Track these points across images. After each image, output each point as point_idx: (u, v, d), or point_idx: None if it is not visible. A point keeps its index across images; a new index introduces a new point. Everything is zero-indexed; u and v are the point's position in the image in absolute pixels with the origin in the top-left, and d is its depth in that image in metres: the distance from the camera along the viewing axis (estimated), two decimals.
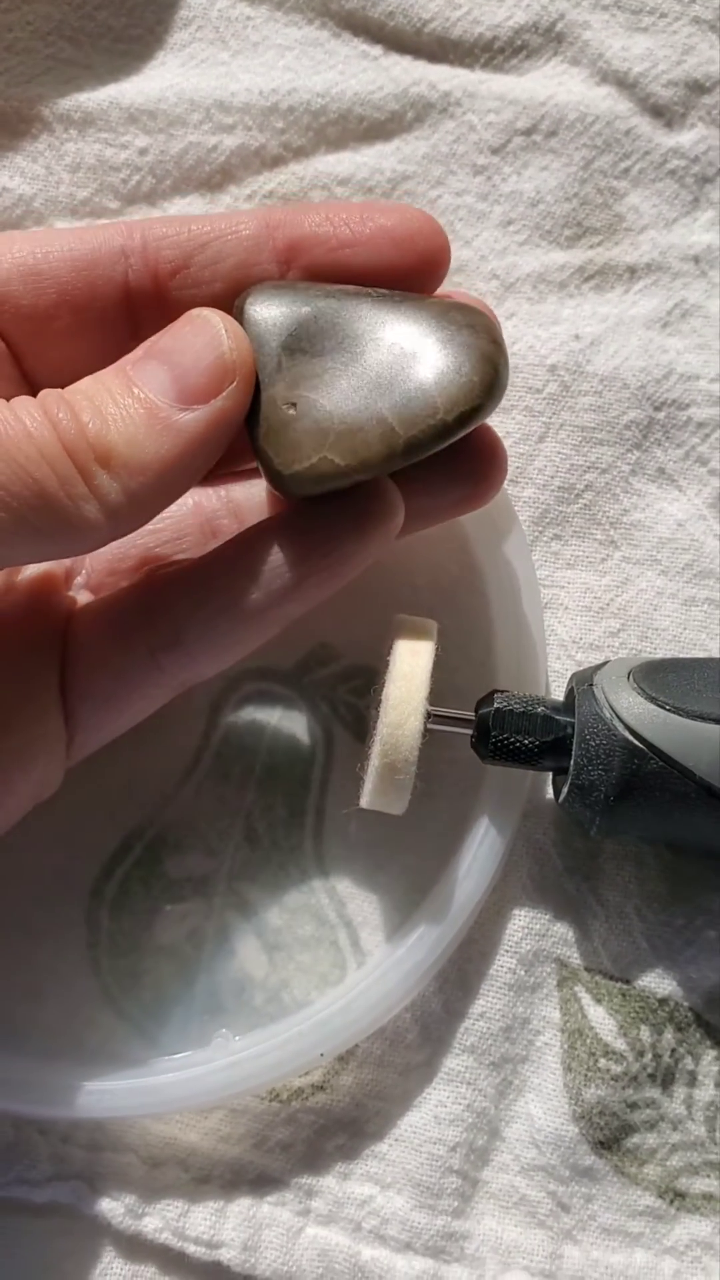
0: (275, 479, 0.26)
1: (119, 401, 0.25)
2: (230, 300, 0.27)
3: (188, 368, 0.25)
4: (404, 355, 0.26)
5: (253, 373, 0.26)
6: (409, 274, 0.28)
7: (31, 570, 0.30)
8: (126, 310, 0.28)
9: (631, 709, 0.28)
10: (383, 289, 0.27)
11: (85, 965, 0.31)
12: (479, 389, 0.26)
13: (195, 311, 0.26)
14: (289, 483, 0.26)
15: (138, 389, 0.25)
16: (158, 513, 0.26)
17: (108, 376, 0.26)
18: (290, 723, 0.33)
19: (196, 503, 0.31)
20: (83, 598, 0.30)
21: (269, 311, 0.27)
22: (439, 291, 0.29)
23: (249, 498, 0.31)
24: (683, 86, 0.35)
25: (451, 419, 0.26)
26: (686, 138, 0.35)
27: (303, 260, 0.28)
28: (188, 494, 0.31)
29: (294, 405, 0.26)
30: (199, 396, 0.25)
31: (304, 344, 0.26)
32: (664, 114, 0.35)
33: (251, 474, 0.32)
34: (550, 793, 0.32)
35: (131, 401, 0.25)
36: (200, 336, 0.26)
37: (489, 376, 0.26)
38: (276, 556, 0.27)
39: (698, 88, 0.35)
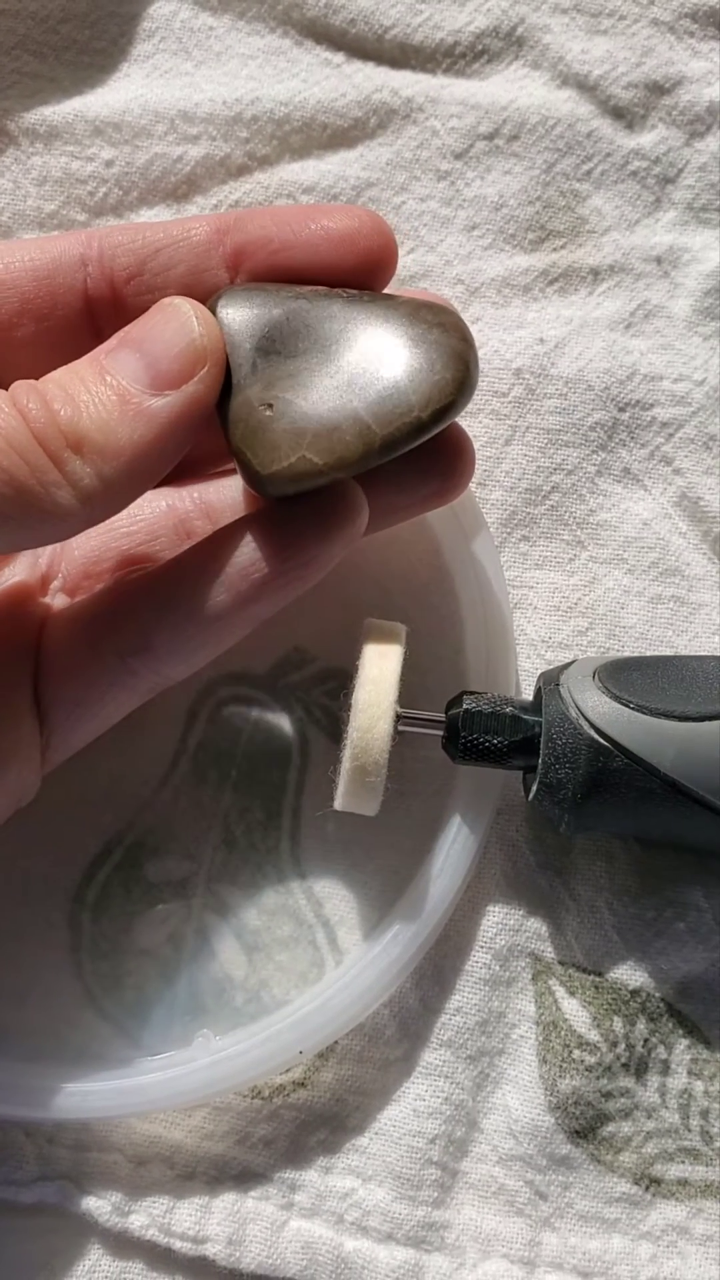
0: (253, 479, 0.27)
1: (91, 389, 0.25)
2: None
3: (159, 354, 0.26)
4: (377, 354, 0.26)
5: (223, 358, 0.26)
6: (352, 274, 0.28)
7: (5, 577, 0.31)
8: (88, 317, 0.28)
9: (597, 708, 0.29)
10: (351, 290, 0.28)
11: (68, 968, 0.32)
12: (451, 385, 0.26)
13: (166, 300, 0.27)
14: (267, 483, 0.26)
15: (110, 376, 0.25)
16: (133, 498, 0.26)
17: (81, 366, 0.26)
18: (266, 726, 0.33)
19: (170, 505, 0.32)
20: (59, 601, 0.31)
21: (240, 313, 0.27)
22: (398, 290, 0.29)
23: (222, 499, 0.32)
24: (643, 88, 0.35)
25: (426, 416, 0.26)
26: (647, 139, 0.35)
27: (247, 265, 0.28)
28: (161, 496, 0.31)
29: (270, 406, 0.26)
30: (171, 382, 0.25)
31: (277, 345, 0.27)
32: (625, 116, 0.35)
33: (224, 475, 0.32)
34: (523, 790, 0.32)
35: (104, 388, 0.25)
36: (171, 324, 0.26)
37: (461, 373, 0.26)
38: (242, 560, 0.27)
39: (657, 89, 0.35)
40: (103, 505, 0.25)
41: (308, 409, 0.26)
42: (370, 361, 0.26)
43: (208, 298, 0.28)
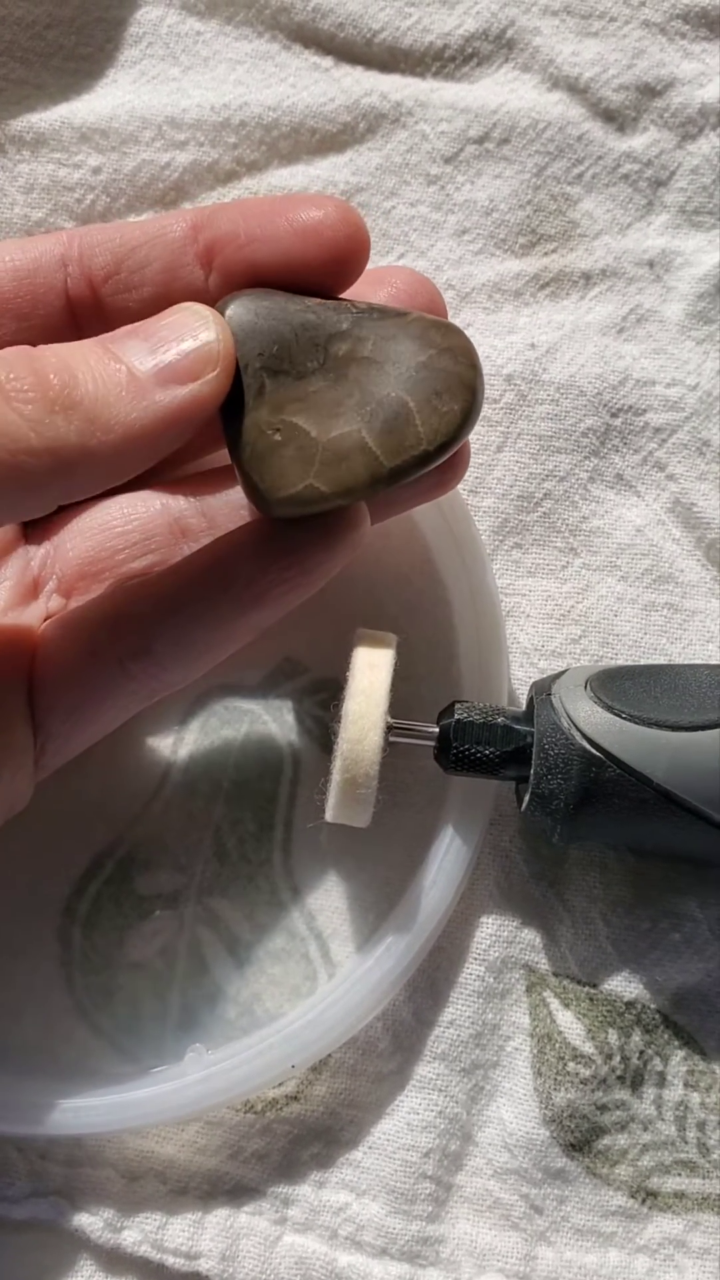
0: (259, 501, 0.27)
1: (92, 364, 0.24)
2: (159, 304, 0.27)
3: (171, 347, 0.25)
4: (386, 380, 0.26)
5: (233, 367, 0.26)
6: (322, 267, 0.27)
7: None
8: (70, 318, 0.28)
9: (589, 718, 0.28)
10: (360, 303, 0.27)
11: (59, 983, 0.32)
12: (458, 417, 0.26)
13: (184, 304, 0.26)
14: (274, 506, 0.27)
15: (116, 358, 0.25)
16: (107, 483, 0.25)
17: (86, 344, 0.25)
18: (257, 737, 0.33)
19: (165, 504, 0.31)
20: (54, 604, 0.30)
21: (249, 326, 0.26)
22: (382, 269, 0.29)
23: (219, 499, 0.32)
24: (634, 90, 0.35)
25: (434, 448, 0.26)
26: (639, 141, 0.35)
27: (219, 260, 0.27)
28: (156, 496, 0.31)
29: (279, 430, 0.26)
30: (178, 377, 0.25)
31: (285, 365, 0.26)
32: (616, 118, 0.35)
33: (219, 474, 0.32)
34: (515, 800, 0.32)
35: (110, 366, 0.24)
36: (188, 323, 0.26)
37: (467, 403, 0.27)
38: (246, 566, 0.27)
39: (649, 91, 0.35)
40: (80, 472, 0.24)
41: (317, 435, 0.26)
42: (379, 387, 0.26)
43: (183, 296, 0.27)
